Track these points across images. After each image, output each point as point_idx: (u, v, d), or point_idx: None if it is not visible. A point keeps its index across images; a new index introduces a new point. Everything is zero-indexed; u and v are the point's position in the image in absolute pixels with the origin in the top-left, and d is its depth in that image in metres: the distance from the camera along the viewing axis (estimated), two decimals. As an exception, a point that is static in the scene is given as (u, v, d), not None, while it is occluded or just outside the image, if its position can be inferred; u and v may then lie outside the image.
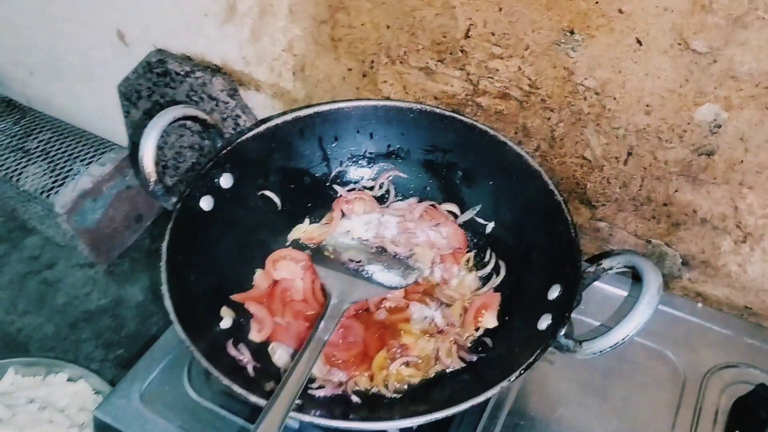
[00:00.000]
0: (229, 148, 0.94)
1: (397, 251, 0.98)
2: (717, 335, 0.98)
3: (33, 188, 1.38)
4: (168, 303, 0.78)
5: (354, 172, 1.05)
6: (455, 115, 0.97)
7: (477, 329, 0.90)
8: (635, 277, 1.02)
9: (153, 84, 1.29)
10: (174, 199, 0.89)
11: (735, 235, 0.93)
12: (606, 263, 0.79)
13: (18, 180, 1.41)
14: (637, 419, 0.89)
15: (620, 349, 0.94)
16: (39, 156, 1.45)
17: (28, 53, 1.54)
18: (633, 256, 0.77)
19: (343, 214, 1.03)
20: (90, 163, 1.41)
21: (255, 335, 0.89)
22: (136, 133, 1.43)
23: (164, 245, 0.83)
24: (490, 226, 0.99)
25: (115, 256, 1.49)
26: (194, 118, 0.93)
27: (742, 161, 0.85)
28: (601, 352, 0.73)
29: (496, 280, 0.94)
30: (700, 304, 1.02)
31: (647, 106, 0.86)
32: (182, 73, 1.23)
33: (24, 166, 1.43)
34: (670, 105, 0.85)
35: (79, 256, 1.50)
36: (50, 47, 1.48)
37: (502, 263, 0.95)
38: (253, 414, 0.89)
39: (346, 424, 0.72)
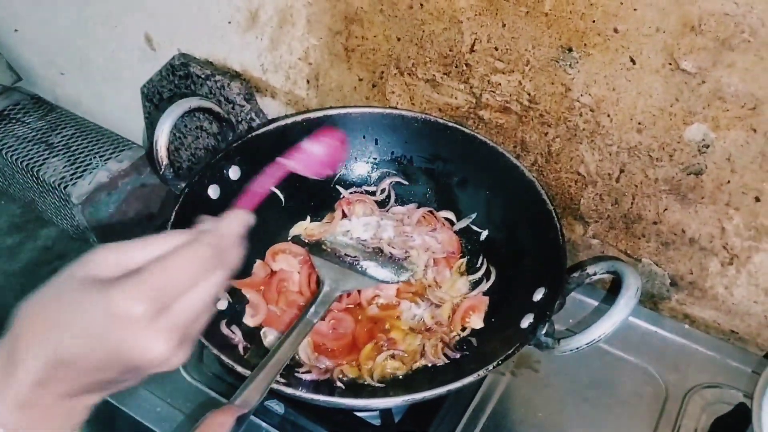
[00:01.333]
0: (239, 142, 0.99)
1: (393, 252, 1.01)
2: (702, 356, 0.99)
3: (52, 179, 1.44)
4: (167, 277, 0.82)
5: (357, 176, 1.10)
6: (458, 126, 1.02)
7: (464, 329, 0.93)
8: (611, 290, 1.05)
9: (174, 86, 1.36)
10: (183, 184, 0.93)
11: (722, 256, 0.95)
12: (590, 268, 0.82)
13: (39, 171, 1.47)
14: (615, 430, 0.90)
15: (606, 362, 0.98)
16: (61, 150, 1.51)
17: (60, 54, 1.62)
18: (615, 262, 0.80)
19: (344, 215, 1.07)
20: (108, 159, 1.47)
21: (249, 319, 0.92)
22: (155, 133, 1.49)
23: (169, 224, 0.87)
24: (484, 233, 1.02)
25: (124, 252, 1.54)
26: (209, 111, 0.98)
27: (729, 182, 0.88)
28: (577, 348, 0.75)
29: (485, 285, 0.97)
30: (687, 326, 1.03)
31: (639, 124, 0.90)
32: (203, 76, 1.29)
33: (46, 159, 1.49)
34: (661, 123, 0.88)
35: (90, 249, 1.54)
36: (81, 49, 1.56)
37: (493, 269, 0.98)
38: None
39: (329, 399, 0.74)
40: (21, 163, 1.49)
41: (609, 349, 0.99)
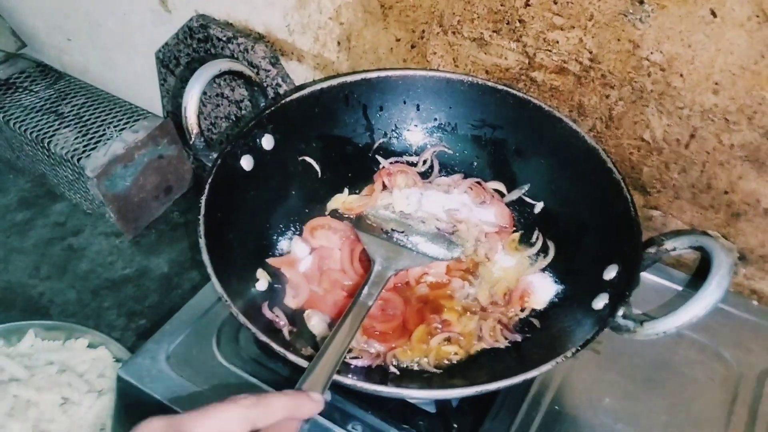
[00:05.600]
0: (272, 108, 0.91)
1: (440, 226, 0.94)
2: (773, 335, 0.93)
3: (64, 151, 1.36)
4: (206, 256, 0.75)
5: (398, 145, 1.02)
6: (508, 89, 0.94)
7: (523, 309, 0.86)
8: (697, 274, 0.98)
9: (193, 50, 1.27)
10: (214, 155, 0.85)
11: (800, 228, 0.88)
12: (669, 243, 0.75)
13: (49, 143, 1.38)
14: (687, 416, 0.84)
15: (669, 343, 0.91)
16: (72, 120, 1.42)
17: (67, 18, 1.53)
18: (700, 236, 0.72)
19: (385, 187, 0.99)
20: (123, 129, 1.39)
21: (290, 301, 0.85)
22: (171, 101, 1.41)
23: (203, 199, 0.80)
24: (539, 206, 0.95)
25: (142, 227, 1.47)
26: (239, 74, 0.90)
27: (816, 147, 0.80)
28: (664, 332, 0.68)
29: (543, 262, 0.90)
30: (755, 302, 0.97)
31: (716, 84, 0.82)
32: (224, 39, 1.20)
33: (56, 129, 1.40)
34: (742, 83, 0.80)
35: (105, 225, 1.47)
36: (89, 13, 1.46)
37: (551, 244, 0.91)
38: (284, 383, 0.85)
39: (384, 389, 0.67)
40: (30, 134, 1.41)
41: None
